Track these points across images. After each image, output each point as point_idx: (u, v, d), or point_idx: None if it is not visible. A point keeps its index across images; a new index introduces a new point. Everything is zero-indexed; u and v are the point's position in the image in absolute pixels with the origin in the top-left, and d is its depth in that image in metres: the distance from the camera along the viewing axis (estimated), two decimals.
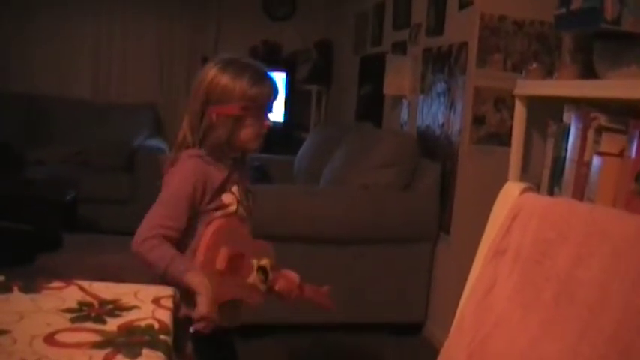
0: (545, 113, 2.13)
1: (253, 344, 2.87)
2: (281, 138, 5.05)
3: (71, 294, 1.25)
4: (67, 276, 1.38)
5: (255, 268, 1.71)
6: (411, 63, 3.81)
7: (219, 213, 1.70)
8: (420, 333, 3.39)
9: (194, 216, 1.68)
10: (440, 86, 3.37)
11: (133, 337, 1.06)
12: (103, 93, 5.79)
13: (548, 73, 2.22)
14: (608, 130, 1.75)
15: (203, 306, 1.56)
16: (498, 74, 2.95)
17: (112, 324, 1.11)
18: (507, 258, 1.36)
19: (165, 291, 1.32)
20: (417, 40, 3.74)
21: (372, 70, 4.52)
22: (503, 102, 2.96)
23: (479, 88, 2.99)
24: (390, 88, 4.00)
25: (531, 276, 1.29)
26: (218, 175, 1.70)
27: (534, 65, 2.26)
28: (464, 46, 3.08)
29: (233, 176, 1.75)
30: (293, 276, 1.85)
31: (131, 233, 1.61)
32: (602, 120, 1.77)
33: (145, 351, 1.00)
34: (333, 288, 1.95)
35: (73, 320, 1.12)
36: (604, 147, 1.75)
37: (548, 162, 2.03)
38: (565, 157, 1.92)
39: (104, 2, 5.71)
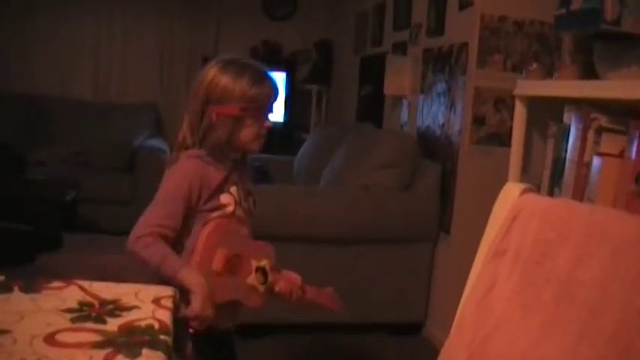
0: (546, 114, 2.13)
1: (253, 344, 2.87)
2: (281, 138, 5.05)
3: (71, 294, 1.25)
4: (67, 276, 1.38)
5: (253, 269, 1.70)
6: (411, 63, 3.81)
7: (216, 213, 1.69)
8: (419, 333, 3.39)
9: (191, 215, 1.68)
10: (440, 86, 3.38)
11: (133, 338, 1.06)
12: (103, 93, 5.79)
13: (549, 73, 2.22)
14: (608, 130, 1.75)
15: (197, 304, 1.56)
16: (498, 74, 2.95)
17: (113, 324, 1.11)
18: (507, 259, 1.36)
19: (166, 291, 1.32)
20: (418, 41, 3.75)
21: (373, 71, 4.52)
22: (504, 102, 2.96)
23: (479, 88, 2.99)
24: (390, 88, 4.00)
25: (531, 277, 1.29)
26: (216, 175, 1.70)
27: (534, 66, 2.26)
28: (464, 46, 3.08)
29: (232, 177, 1.74)
30: (294, 278, 1.83)
31: None
32: (603, 120, 1.77)
33: (145, 351, 1.00)
34: (333, 288, 1.93)
35: (73, 320, 1.12)
36: (604, 147, 1.76)
37: (549, 162, 2.03)
38: (565, 158, 1.92)
39: (104, 2, 5.71)
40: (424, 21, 3.65)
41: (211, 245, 1.63)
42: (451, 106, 3.22)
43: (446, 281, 3.22)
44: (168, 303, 1.25)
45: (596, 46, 1.92)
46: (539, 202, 1.41)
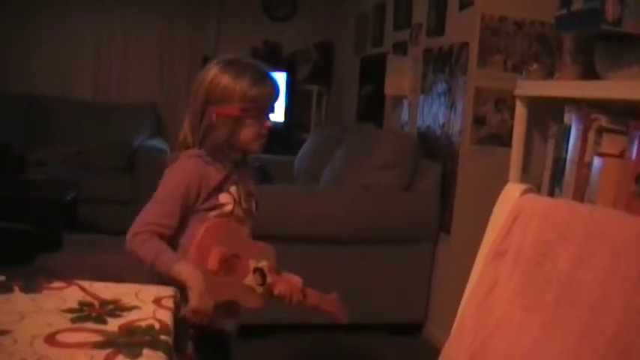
0: (546, 114, 2.13)
1: (254, 344, 2.87)
2: (281, 138, 5.04)
3: (72, 294, 1.25)
4: (68, 276, 1.38)
5: (251, 270, 1.69)
6: (411, 63, 3.81)
7: (214, 212, 1.69)
8: (420, 333, 3.39)
9: (189, 214, 1.68)
10: (440, 86, 3.38)
11: (133, 338, 1.06)
12: (103, 93, 5.79)
13: (549, 73, 2.22)
14: (608, 131, 1.76)
15: (193, 298, 1.56)
16: (499, 75, 2.95)
17: (113, 324, 1.11)
18: (508, 259, 1.36)
19: (166, 291, 1.32)
20: (418, 41, 3.74)
21: (373, 71, 4.52)
22: (504, 102, 2.96)
23: (479, 88, 2.99)
24: (390, 88, 4.00)
25: (532, 277, 1.29)
26: (216, 175, 1.70)
27: (535, 66, 2.26)
28: (464, 46, 3.08)
29: (233, 177, 1.74)
30: (296, 280, 1.81)
31: None
32: (603, 121, 1.77)
33: (146, 351, 1.00)
34: (332, 288, 1.91)
35: (73, 320, 1.12)
36: (605, 148, 1.76)
37: (549, 163, 2.03)
38: (566, 158, 1.92)
39: (104, 2, 5.70)
40: (424, 21, 3.65)
41: (207, 244, 1.62)
42: (451, 106, 3.22)
43: (446, 281, 3.21)
44: (169, 303, 1.25)
45: (597, 46, 1.92)
46: (540, 202, 1.41)
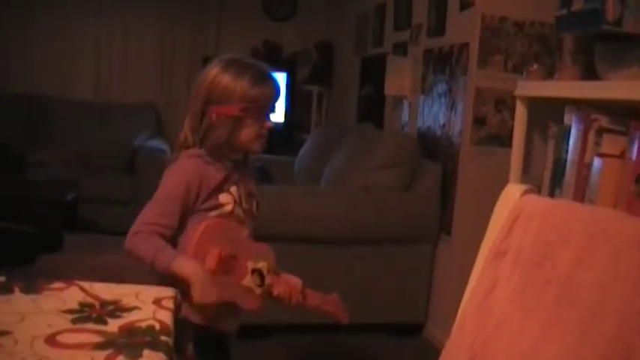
0: (546, 114, 2.13)
1: (254, 345, 2.87)
2: (282, 138, 5.05)
3: (72, 295, 1.25)
4: (68, 276, 1.38)
5: (249, 270, 1.68)
6: (411, 64, 3.81)
7: (214, 212, 1.69)
8: (420, 334, 3.39)
9: (189, 214, 1.67)
10: (441, 87, 3.37)
11: (133, 338, 1.06)
12: (103, 93, 5.79)
13: (549, 74, 2.22)
14: (608, 131, 1.76)
15: (196, 293, 1.56)
16: (499, 75, 2.95)
17: (113, 325, 1.11)
18: (508, 260, 1.36)
19: (166, 292, 1.32)
20: (418, 41, 3.74)
21: (373, 71, 4.52)
22: (504, 103, 2.96)
23: (480, 88, 2.99)
24: (390, 88, 4.00)
25: (532, 278, 1.29)
26: (216, 174, 1.70)
27: (535, 66, 2.26)
28: (465, 46, 3.08)
29: (233, 177, 1.74)
30: (295, 281, 1.80)
31: None
32: (603, 121, 1.77)
33: (146, 352, 1.00)
34: (333, 289, 1.91)
35: (74, 321, 1.12)
36: (605, 148, 1.76)
37: (549, 163, 2.03)
38: (566, 159, 1.92)
39: (104, 2, 5.70)
40: (425, 21, 3.65)
41: (205, 244, 1.62)
42: (452, 106, 3.21)
43: (446, 282, 3.21)
44: (169, 304, 1.25)
45: (597, 46, 1.92)
46: (540, 203, 1.41)
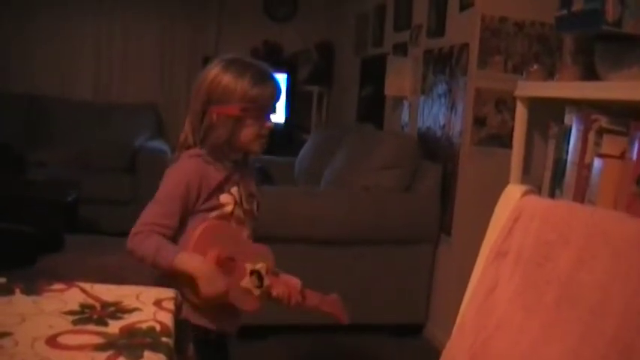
0: (547, 115, 2.13)
1: (254, 345, 2.87)
2: (282, 139, 5.05)
3: (73, 296, 1.25)
4: (68, 277, 1.38)
5: (248, 272, 1.68)
6: (411, 64, 3.81)
7: (214, 213, 1.69)
8: (420, 334, 3.39)
9: (190, 215, 1.68)
10: (441, 87, 3.38)
11: (134, 340, 1.06)
12: (103, 93, 5.79)
13: (549, 74, 2.21)
14: (609, 131, 1.75)
15: (204, 287, 1.57)
16: (499, 75, 2.96)
17: (114, 326, 1.11)
18: (509, 260, 1.36)
19: (167, 293, 1.32)
20: (418, 42, 3.75)
21: (373, 72, 4.52)
22: (504, 103, 2.96)
23: (480, 89, 2.99)
24: (390, 89, 4.00)
25: (533, 278, 1.30)
26: (216, 175, 1.70)
27: (535, 67, 2.26)
28: (465, 47, 3.08)
29: (234, 177, 1.74)
30: (294, 282, 1.80)
31: None
32: (604, 122, 1.77)
33: (147, 353, 1.00)
34: (333, 289, 1.90)
35: (74, 322, 1.12)
36: (605, 149, 1.76)
37: (550, 164, 2.03)
38: (566, 159, 1.92)
39: (104, 2, 5.70)
40: (425, 22, 3.65)
41: (203, 246, 1.62)
42: (452, 107, 3.22)
43: (447, 282, 3.22)
44: (170, 305, 1.25)
45: (597, 47, 1.92)
46: (541, 203, 1.41)
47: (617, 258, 1.15)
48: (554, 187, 1.98)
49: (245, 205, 1.75)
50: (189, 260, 1.58)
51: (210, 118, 1.67)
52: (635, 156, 1.63)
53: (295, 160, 4.57)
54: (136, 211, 1.67)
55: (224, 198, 1.70)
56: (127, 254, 1.62)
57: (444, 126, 3.31)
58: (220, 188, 1.70)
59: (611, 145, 1.74)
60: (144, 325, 1.13)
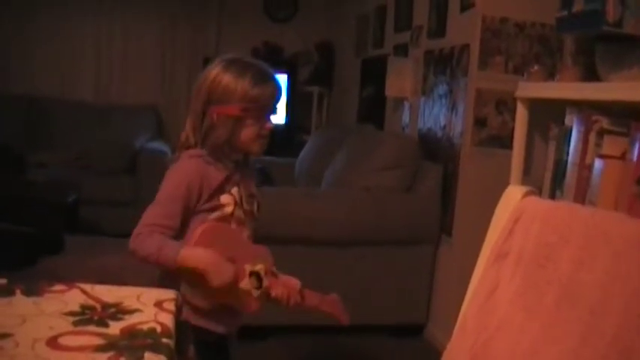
0: (547, 116, 2.13)
1: (254, 346, 2.87)
2: (282, 140, 5.05)
3: (73, 297, 1.25)
4: (69, 278, 1.38)
5: (247, 273, 1.68)
6: (412, 65, 3.81)
7: (215, 214, 1.68)
8: (421, 335, 3.39)
9: (190, 216, 1.67)
10: (441, 88, 3.38)
11: (135, 341, 1.06)
12: (103, 94, 5.79)
13: (550, 75, 2.22)
14: (609, 132, 1.76)
15: (213, 278, 1.56)
16: (500, 76, 2.95)
17: (115, 327, 1.11)
18: (509, 261, 1.36)
19: (168, 294, 1.32)
20: (419, 42, 3.75)
21: (374, 72, 4.52)
22: (505, 104, 2.96)
23: (480, 90, 2.99)
24: (391, 90, 4.00)
25: (533, 279, 1.30)
26: (217, 175, 1.69)
27: (536, 67, 2.26)
28: (465, 48, 3.08)
29: (234, 178, 1.74)
30: (294, 283, 1.79)
31: None
32: (604, 123, 1.77)
33: (148, 354, 1.01)
34: (333, 290, 1.90)
35: (75, 324, 1.12)
36: (606, 150, 1.76)
37: (550, 165, 2.03)
38: (567, 160, 1.92)
39: (104, 2, 5.70)
40: (425, 23, 3.65)
41: (203, 246, 1.61)
42: (452, 107, 3.22)
43: (447, 283, 3.21)
44: (171, 306, 1.25)
45: (598, 47, 1.92)
46: (541, 204, 1.41)
47: (618, 259, 1.15)
48: (555, 188, 1.98)
49: (245, 206, 1.75)
50: (193, 254, 1.57)
51: (211, 118, 1.67)
52: (635, 157, 1.63)
53: (296, 161, 4.57)
54: (137, 212, 1.67)
55: (225, 199, 1.70)
56: (130, 255, 1.61)
57: (444, 127, 3.31)
58: (221, 189, 1.70)
59: (611, 145, 1.74)
60: (144, 327, 1.13)
